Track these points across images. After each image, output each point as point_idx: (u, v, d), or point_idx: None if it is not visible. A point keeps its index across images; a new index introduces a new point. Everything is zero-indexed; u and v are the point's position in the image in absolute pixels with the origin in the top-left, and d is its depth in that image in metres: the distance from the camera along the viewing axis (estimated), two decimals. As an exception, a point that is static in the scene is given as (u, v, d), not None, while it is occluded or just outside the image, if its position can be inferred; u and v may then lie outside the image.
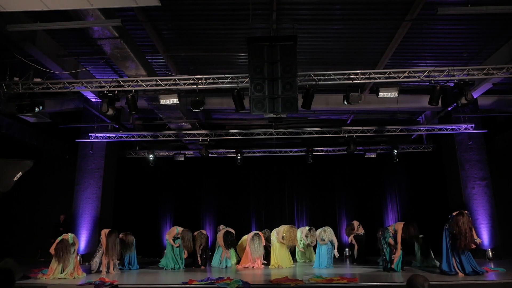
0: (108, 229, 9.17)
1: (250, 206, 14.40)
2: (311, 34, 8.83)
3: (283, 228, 10.22)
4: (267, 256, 10.49)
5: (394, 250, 8.39)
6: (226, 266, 10.06)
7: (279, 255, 10.01)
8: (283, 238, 10.04)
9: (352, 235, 10.79)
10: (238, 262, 10.46)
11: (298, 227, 11.34)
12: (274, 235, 10.32)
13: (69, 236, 8.39)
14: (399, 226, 8.55)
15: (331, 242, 9.79)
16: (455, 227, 7.48)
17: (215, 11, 7.85)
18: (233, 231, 10.46)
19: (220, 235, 10.35)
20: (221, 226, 11.20)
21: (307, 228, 11.08)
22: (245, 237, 10.79)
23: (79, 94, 10.47)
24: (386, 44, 9.10)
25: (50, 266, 8.14)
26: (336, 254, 9.83)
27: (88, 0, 5.31)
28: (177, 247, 9.91)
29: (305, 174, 14.52)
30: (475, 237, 7.48)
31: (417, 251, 9.53)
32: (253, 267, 9.80)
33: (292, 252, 10.94)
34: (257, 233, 10.26)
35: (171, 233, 10.07)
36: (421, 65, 10.08)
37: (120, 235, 9.71)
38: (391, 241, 8.45)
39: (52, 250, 8.19)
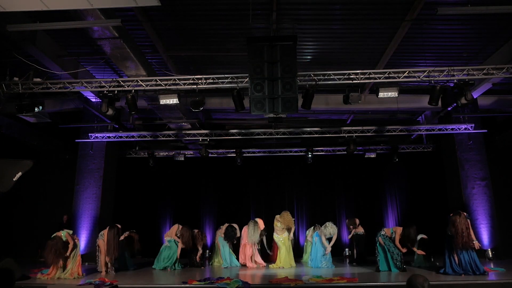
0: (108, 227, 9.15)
1: (250, 206, 14.37)
2: (311, 34, 8.83)
3: (277, 219, 10.29)
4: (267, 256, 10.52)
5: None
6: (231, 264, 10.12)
7: (283, 255, 10.02)
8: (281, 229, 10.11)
9: (353, 231, 10.76)
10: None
11: (298, 227, 11.35)
12: (276, 235, 10.34)
13: (62, 234, 8.17)
14: (398, 230, 8.64)
15: (329, 239, 9.78)
16: (451, 227, 7.49)
17: (215, 11, 7.84)
18: (236, 226, 10.53)
19: (222, 228, 10.41)
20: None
21: (311, 228, 11.13)
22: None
23: (79, 94, 10.46)
24: (386, 44, 9.10)
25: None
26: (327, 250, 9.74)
27: (88, 0, 5.31)
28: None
29: (305, 174, 14.49)
30: (473, 238, 7.47)
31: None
32: (245, 264, 9.93)
33: (299, 253, 10.97)
34: (255, 221, 10.37)
35: (173, 230, 10.08)
36: (421, 65, 10.07)
37: (125, 234, 9.69)
38: (381, 240, 8.62)
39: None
